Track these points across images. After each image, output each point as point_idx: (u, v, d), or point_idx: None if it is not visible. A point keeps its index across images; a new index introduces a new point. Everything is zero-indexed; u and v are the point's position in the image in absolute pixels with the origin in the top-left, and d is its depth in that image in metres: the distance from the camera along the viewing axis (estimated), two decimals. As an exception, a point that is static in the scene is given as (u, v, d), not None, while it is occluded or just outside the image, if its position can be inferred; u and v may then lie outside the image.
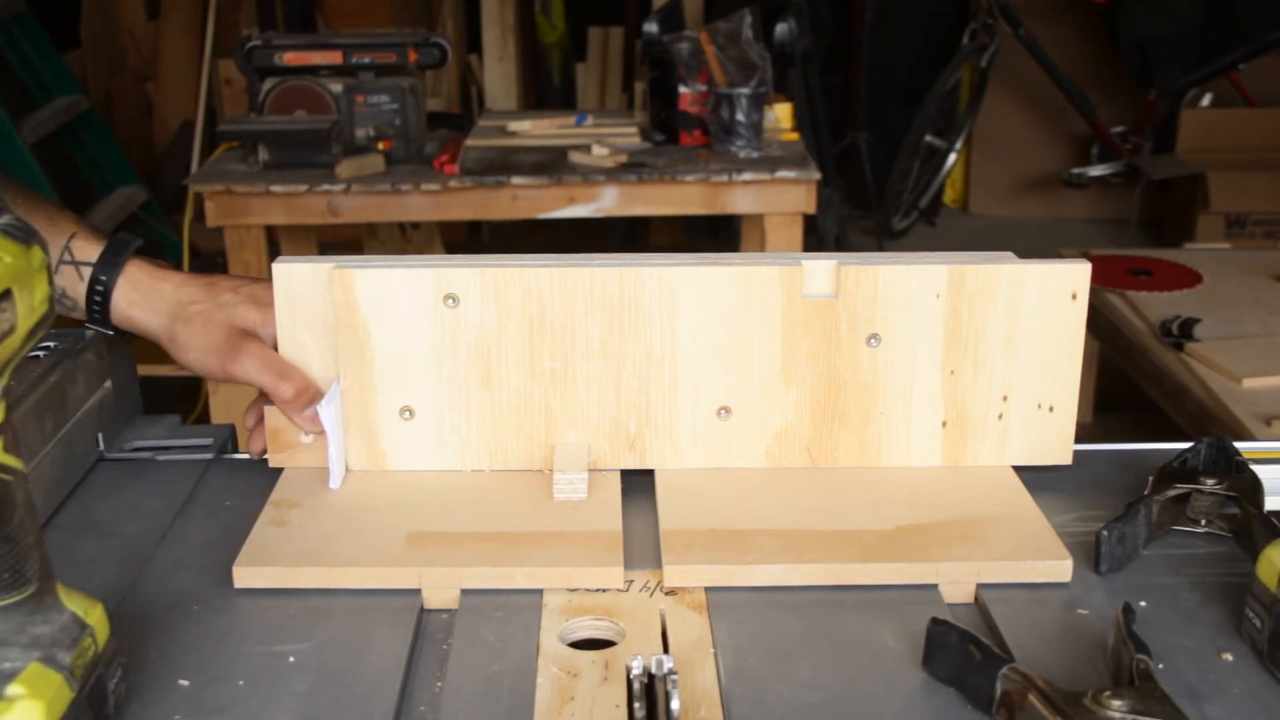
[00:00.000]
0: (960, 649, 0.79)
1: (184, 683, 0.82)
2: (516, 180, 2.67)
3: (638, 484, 1.06)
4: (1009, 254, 1.07)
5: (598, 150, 2.77)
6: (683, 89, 2.85)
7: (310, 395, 1.05)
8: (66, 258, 1.10)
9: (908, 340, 1.05)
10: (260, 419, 1.09)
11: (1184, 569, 0.95)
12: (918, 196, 5.17)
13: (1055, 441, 1.08)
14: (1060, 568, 0.93)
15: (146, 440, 1.15)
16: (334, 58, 2.76)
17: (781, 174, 2.67)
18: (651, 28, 3.06)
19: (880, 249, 4.72)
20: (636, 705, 0.77)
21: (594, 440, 1.06)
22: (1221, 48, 4.87)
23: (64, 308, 1.12)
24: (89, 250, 1.11)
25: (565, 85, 5.24)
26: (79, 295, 1.11)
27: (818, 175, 2.70)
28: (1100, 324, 3.09)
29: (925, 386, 1.06)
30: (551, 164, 2.76)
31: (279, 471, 1.07)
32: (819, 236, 4.37)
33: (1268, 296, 3.13)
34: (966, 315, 1.04)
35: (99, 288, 1.10)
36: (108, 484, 1.10)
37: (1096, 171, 5.20)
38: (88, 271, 1.10)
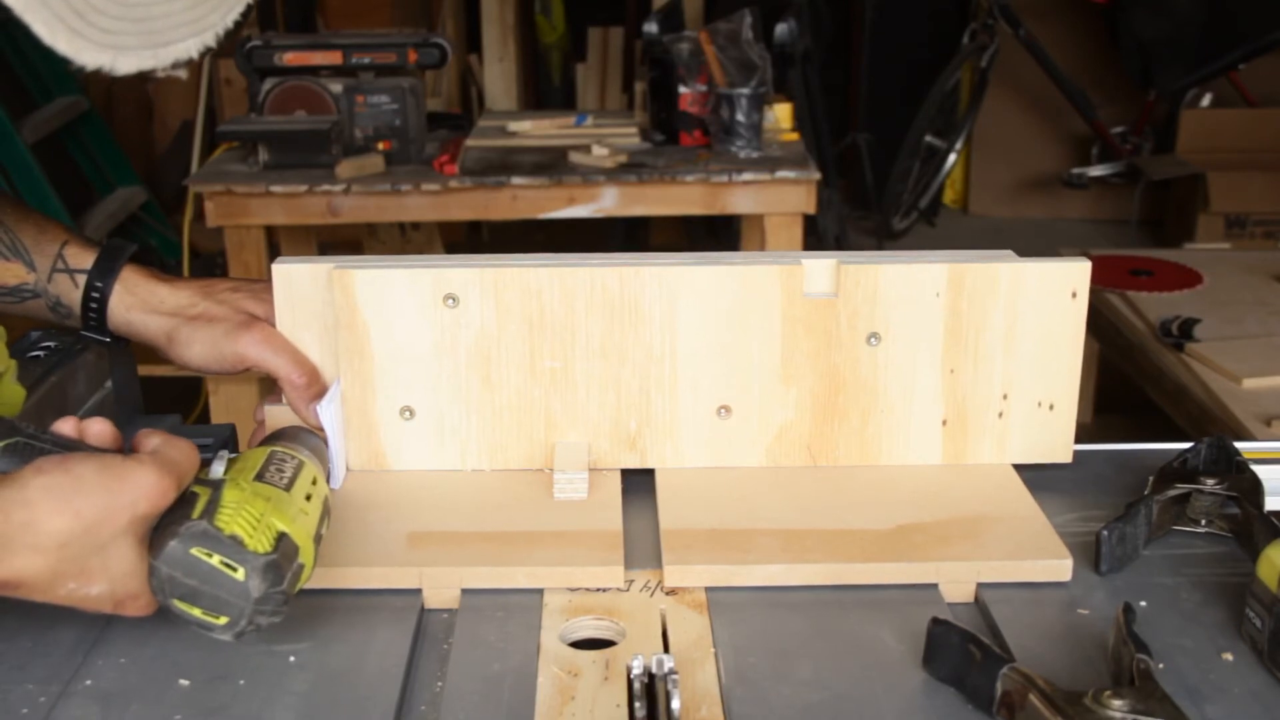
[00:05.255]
0: (960, 649, 0.79)
1: (184, 682, 0.82)
2: (516, 180, 2.67)
3: (638, 484, 1.06)
4: (1009, 253, 1.07)
5: (598, 150, 2.76)
6: (683, 89, 2.85)
7: (320, 386, 1.05)
8: (60, 266, 1.10)
9: (908, 339, 1.05)
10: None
11: (1184, 569, 0.95)
12: (918, 196, 5.17)
13: (1055, 439, 1.08)
14: (1060, 567, 0.93)
15: (147, 440, 1.15)
16: (334, 58, 2.76)
17: (781, 174, 2.67)
18: (651, 28, 3.06)
19: (880, 249, 4.72)
20: (637, 705, 0.77)
21: (594, 440, 1.06)
22: (1221, 48, 4.87)
23: (59, 315, 1.12)
24: (82, 257, 1.10)
25: (565, 85, 5.24)
26: (74, 302, 1.10)
27: (818, 175, 2.70)
28: (1100, 324, 3.09)
29: (925, 385, 1.06)
30: (551, 164, 2.76)
31: (279, 471, 1.07)
32: (819, 236, 4.36)
33: (1268, 296, 3.12)
34: (966, 314, 1.04)
35: (95, 294, 1.09)
36: (108, 484, 1.09)
37: (1096, 171, 5.20)
38: (82, 279, 1.09)
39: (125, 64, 0.71)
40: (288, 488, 0.84)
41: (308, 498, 0.85)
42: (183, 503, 0.80)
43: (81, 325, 1.11)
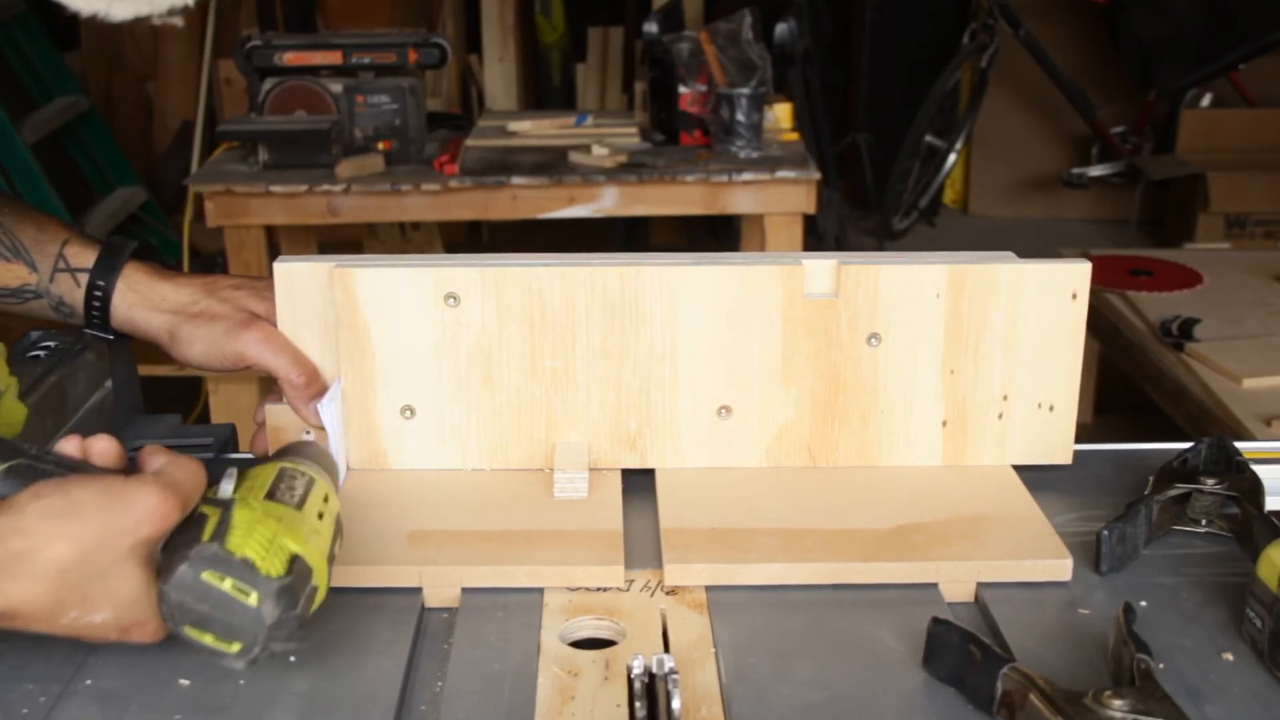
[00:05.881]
0: (961, 648, 0.79)
1: (184, 682, 0.82)
2: (516, 180, 2.67)
3: (638, 483, 1.06)
4: (1009, 254, 1.07)
5: (598, 150, 2.76)
6: (683, 89, 2.85)
7: (320, 386, 1.05)
8: (61, 265, 1.10)
9: (908, 340, 1.05)
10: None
11: (1184, 569, 0.95)
12: (918, 196, 5.17)
13: (1055, 441, 1.08)
14: (1060, 567, 0.93)
15: (147, 440, 1.15)
16: (334, 58, 2.76)
17: (781, 174, 2.67)
18: (651, 28, 3.06)
19: (880, 249, 4.72)
20: (637, 705, 0.77)
21: (594, 440, 1.06)
22: (1221, 48, 4.87)
23: (61, 315, 1.12)
24: (84, 256, 1.10)
25: (565, 85, 5.24)
26: (77, 301, 1.10)
27: (818, 175, 2.70)
28: (1100, 324, 3.09)
29: (925, 386, 1.06)
30: (551, 164, 2.76)
31: (279, 471, 1.07)
32: (819, 236, 4.37)
33: (1268, 296, 3.13)
34: (967, 315, 1.04)
35: (98, 292, 1.09)
36: (108, 483, 1.09)
37: (1096, 171, 5.20)
38: (84, 278, 1.09)
39: (120, 10, 0.70)
40: (299, 506, 0.81)
41: (320, 516, 0.83)
42: (191, 524, 0.78)
43: (84, 323, 1.11)
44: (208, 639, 0.76)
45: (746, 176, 2.67)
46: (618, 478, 1.06)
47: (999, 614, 0.89)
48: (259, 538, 0.77)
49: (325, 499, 0.84)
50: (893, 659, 0.84)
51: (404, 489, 1.04)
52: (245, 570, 0.75)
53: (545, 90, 5.27)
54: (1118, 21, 5.00)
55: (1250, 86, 5.00)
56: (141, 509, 0.75)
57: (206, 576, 0.75)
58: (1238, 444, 1.04)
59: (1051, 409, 1.07)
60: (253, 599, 0.75)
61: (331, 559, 0.82)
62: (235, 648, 0.76)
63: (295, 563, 0.77)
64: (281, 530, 0.78)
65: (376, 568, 0.93)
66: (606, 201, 2.72)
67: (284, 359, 1.05)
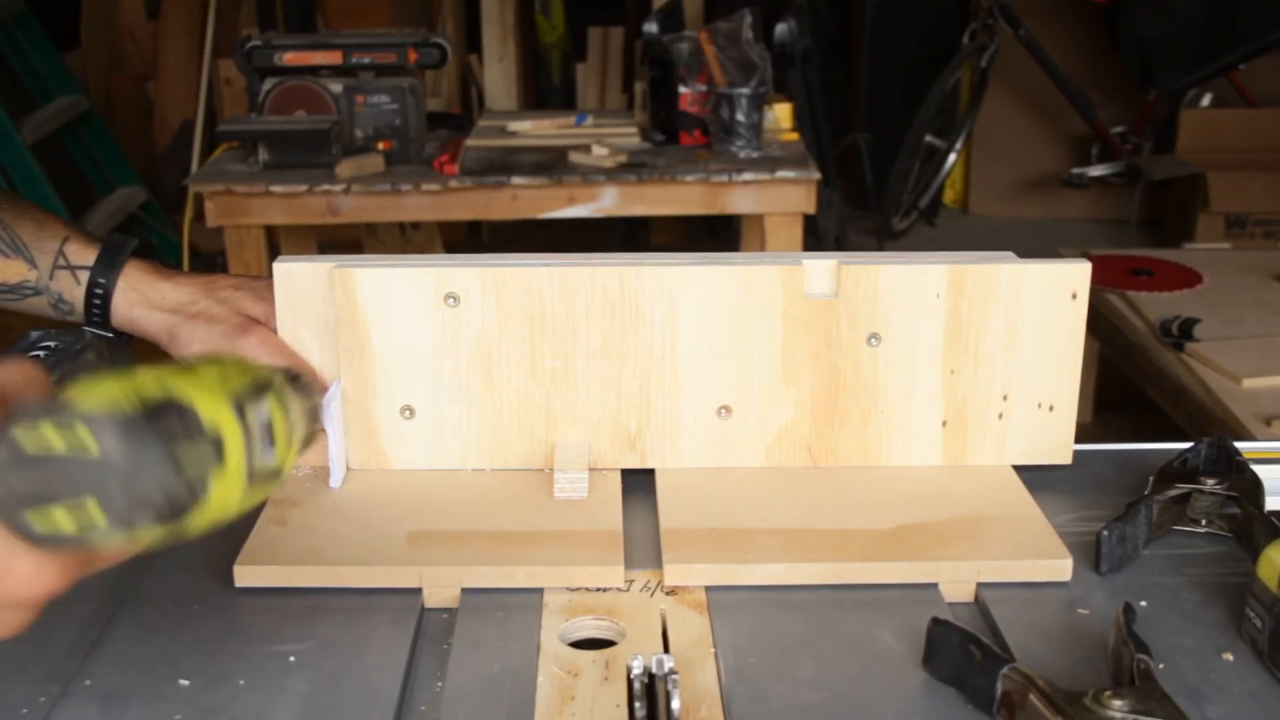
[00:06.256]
0: (961, 649, 0.79)
1: (184, 682, 0.82)
2: (516, 180, 2.67)
3: (638, 483, 1.06)
4: (1009, 254, 1.08)
5: (598, 150, 2.77)
6: (683, 89, 2.85)
7: (319, 388, 1.05)
8: (61, 262, 1.10)
9: (908, 340, 1.05)
10: None
11: (1184, 569, 0.95)
12: (918, 196, 5.17)
13: (1055, 441, 1.08)
14: (1060, 567, 0.93)
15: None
16: (334, 58, 2.76)
17: (781, 174, 2.68)
18: (651, 28, 3.06)
19: (880, 249, 4.72)
20: (637, 705, 0.77)
21: (594, 440, 1.06)
22: (1221, 48, 4.88)
23: (61, 313, 1.12)
24: (84, 254, 1.10)
25: (565, 85, 5.24)
26: (77, 299, 1.10)
27: (818, 175, 2.70)
28: (1100, 324, 3.09)
29: (925, 386, 1.06)
30: (551, 164, 2.76)
31: (279, 471, 1.07)
32: (819, 236, 4.37)
33: (1268, 296, 3.13)
34: (967, 315, 1.04)
35: (98, 290, 1.09)
36: (108, 483, 1.09)
37: (1096, 171, 5.20)
38: (85, 275, 1.09)
39: None
40: (190, 368, 0.65)
41: (220, 375, 0.65)
42: None
43: (84, 321, 1.11)
44: (58, 516, 0.58)
45: (746, 176, 2.68)
46: (618, 478, 1.06)
47: (999, 614, 0.89)
48: (103, 387, 0.60)
49: (241, 369, 0.68)
50: (893, 659, 0.84)
51: (404, 489, 1.04)
52: (68, 410, 0.58)
53: (545, 90, 5.27)
54: (1118, 21, 5.00)
55: (1250, 86, 5.00)
56: None
57: (17, 434, 0.58)
58: (1238, 444, 1.04)
59: (1051, 409, 1.07)
60: (82, 435, 0.58)
61: (240, 409, 0.64)
62: (93, 508, 0.59)
63: (163, 406, 0.60)
64: (145, 380, 0.61)
65: (376, 568, 0.93)
66: (606, 201, 2.72)
67: (280, 362, 1.05)
